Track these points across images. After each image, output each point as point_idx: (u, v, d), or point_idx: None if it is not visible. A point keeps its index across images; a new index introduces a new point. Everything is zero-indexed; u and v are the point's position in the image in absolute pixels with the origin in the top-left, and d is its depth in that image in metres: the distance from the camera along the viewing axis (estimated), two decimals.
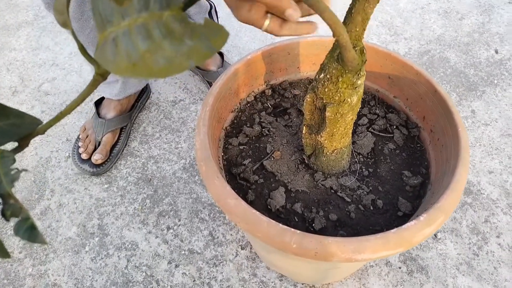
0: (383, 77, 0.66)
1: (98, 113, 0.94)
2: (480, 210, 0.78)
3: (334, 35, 0.37)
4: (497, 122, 0.94)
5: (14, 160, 0.28)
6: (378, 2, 0.43)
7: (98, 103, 0.97)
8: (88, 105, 1.04)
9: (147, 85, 1.04)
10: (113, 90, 0.91)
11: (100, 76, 0.28)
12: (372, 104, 0.67)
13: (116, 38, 0.24)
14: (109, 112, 0.94)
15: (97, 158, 0.87)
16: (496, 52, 1.12)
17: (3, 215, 0.27)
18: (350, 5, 0.44)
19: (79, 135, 0.93)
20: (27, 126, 0.30)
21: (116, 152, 0.91)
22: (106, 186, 0.86)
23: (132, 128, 0.98)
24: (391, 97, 0.66)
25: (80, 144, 0.91)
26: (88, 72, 1.13)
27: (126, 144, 0.94)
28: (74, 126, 1.00)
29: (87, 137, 0.92)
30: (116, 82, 0.91)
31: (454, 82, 1.04)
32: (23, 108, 1.05)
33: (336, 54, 0.45)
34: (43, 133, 0.33)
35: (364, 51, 0.45)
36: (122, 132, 0.94)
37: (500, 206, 0.79)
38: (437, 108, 0.57)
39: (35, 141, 0.97)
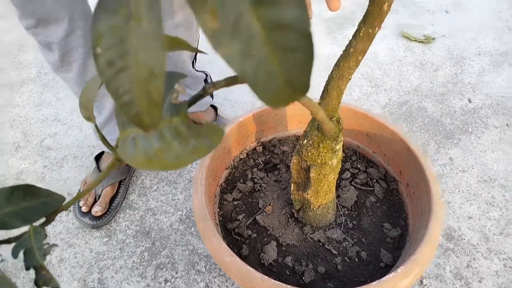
0: (363, 135, 0.72)
1: (98, 167, 0.99)
2: (462, 255, 0.83)
3: (312, 114, 0.44)
4: (474, 168, 1.01)
5: (46, 236, 0.33)
6: (350, 79, 0.51)
7: (98, 157, 1.02)
8: (88, 159, 1.09)
9: None
10: None
11: (118, 161, 0.34)
12: (353, 159, 0.73)
13: (135, 138, 0.30)
14: None
15: (96, 210, 0.90)
16: (470, 101, 1.21)
17: (36, 285, 0.32)
18: (326, 81, 0.51)
19: (79, 189, 0.98)
20: (54, 203, 0.35)
21: (115, 205, 0.95)
22: (106, 239, 0.89)
23: (131, 181, 1.03)
24: (370, 153, 0.72)
25: None
26: (88, 127, 1.19)
27: (125, 197, 0.99)
28: (75, 181, 1.04)
29: None
30: None
31: (432, 131, 1.12)
32: (26, 163, 1.09)
33: (316, 123, 0.52)
34: (66, 209, 0.39)
35: (340, 121, 0.51)
36: (121, 185, 0.99)
37: (481, 251, 0.83)
38: (411, 164, 0.64)
39: None
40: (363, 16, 0.43)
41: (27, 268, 0.32)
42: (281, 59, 0.19)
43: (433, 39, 1.43)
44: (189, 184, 1.03)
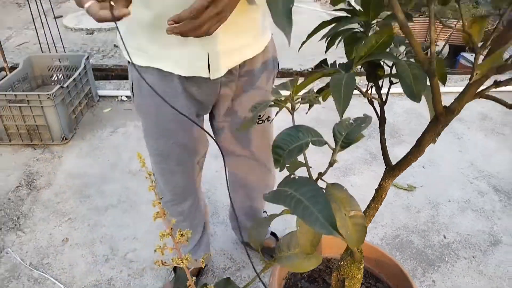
0: (372, 260, 1.12)
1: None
2: None
3: (350, 248, 0.86)
4: None
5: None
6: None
7: (175, 268, 1.38)
8: (162, 270, 1.44)
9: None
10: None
11: (269, 266, 0.75)
12: (366, 277, 1.12)
13: (286, 257, 0.71)
14: None
15: None
16: (444, 237, 1.63)
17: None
18: None
19: None
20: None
21: None
22: None
23: None
24: (377, 272, 1.11)
25: None
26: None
27: None
28: (152, 287, 1.37)
29: None
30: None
31: (418, 259, 1.51)
32: (114, 272, 1.44)
33: (349, 252, 0.93)
34: None
35: (362, 252, 0.93)
36: None
37: None
38: (404, 282, 1.02)
39: None
40: (373, 197, 0.88)
41: None
42: (356, 233, 0.63)
43: (415, 187, 1.92)
44: None
